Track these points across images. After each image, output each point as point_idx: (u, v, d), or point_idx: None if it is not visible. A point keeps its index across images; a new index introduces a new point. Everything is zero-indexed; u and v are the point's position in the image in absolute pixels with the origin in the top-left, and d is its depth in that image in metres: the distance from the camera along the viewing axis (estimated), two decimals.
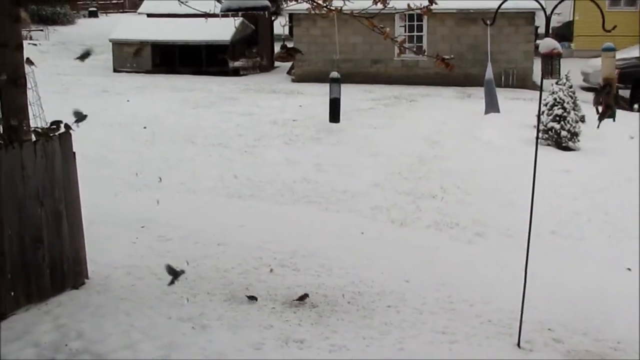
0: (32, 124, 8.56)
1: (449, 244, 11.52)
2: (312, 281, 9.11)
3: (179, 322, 7.60)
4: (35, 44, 37.34)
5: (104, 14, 54.35)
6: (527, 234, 7.72)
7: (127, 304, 7.97)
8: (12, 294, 7.58)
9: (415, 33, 26.46)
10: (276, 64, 30.99)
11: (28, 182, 7.66)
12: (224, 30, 27.83)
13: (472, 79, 24.29)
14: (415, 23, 26.36)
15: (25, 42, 9.49)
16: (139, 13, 34.43)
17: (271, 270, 9.49)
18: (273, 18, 32.17)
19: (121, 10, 55.70)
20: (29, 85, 8.59)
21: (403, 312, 8.31)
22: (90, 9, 53.58)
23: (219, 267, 9.40)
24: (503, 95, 21.56)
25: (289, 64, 29.33)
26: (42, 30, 42.69)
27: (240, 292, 8.57)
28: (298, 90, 25.49)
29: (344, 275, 9.36)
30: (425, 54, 8.59)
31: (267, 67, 31.32)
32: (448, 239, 11.79)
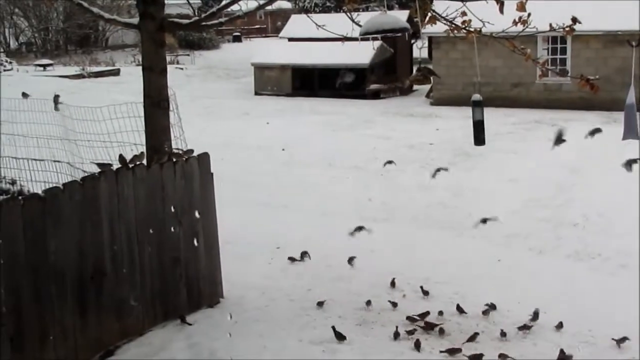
0: (173, 145, 8.84)
1: (590, 275, 11.04)
2: (445, 309, 8.91)
3: (310, 345, 7.59)
4: (181, 68, 38.83)
5: (247, 39, 55.93)
6: None
7: (260, 325, 8.03)
8: (151, 310, 7.80)
9: (558, 56, 25.74)
10: (415, 87, 30.86)
11: (167, 201, 7.87)
12: (363, 53, 27.99)
13: (620, 104, 23.18)
14: (559, 46, 25.65)
15: (172, 67, 9.86)
16: (281, 37, 35.15)
17: (404, 296, 9.37)
18: (412, 41, 32.11)
19: (264, 35, 57.19)
20: (171, 108, 8.87)
21: (540, 344, 8.01)
22: (235, 34, 55.29)
23: (351, 291, 9.35)
24: None
25: (427, 87, 29.15)
26: (188, 54, 44.34)
27: (371, 317, 8.49)
28: (436, 113, 25.27)
29: (478, 303, 9.10)
30: (569, 74, 8.33)
31: (405, 90, 31.23)
32: (588, 270, 11.31)
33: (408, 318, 8.42)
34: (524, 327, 8.32)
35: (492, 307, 8.95)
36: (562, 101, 25.34)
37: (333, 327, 7.73)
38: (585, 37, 24.28)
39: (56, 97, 10.60)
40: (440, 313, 8.64)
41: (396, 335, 7.92)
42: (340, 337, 7.66)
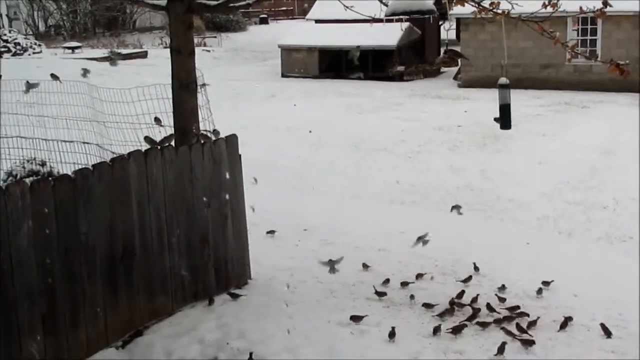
0: (201, 127, 8.84)
1: (621, 259, 10.95)
2: (474, 291, 8.87)
3: (339, 327, 7.59)
4: (208, 51, 38.87)
5: (274, 21, 55.82)
6: None
7: (289, 307, 8.03)
8: (180, 291, 7.84)
9: (588, 37, 25.46)
10: (443, 69, 30.69)
11: (196, 183, 7.88)
12: (390, 35, 27.87)
13: None
14: (589, 26, 25.36)
15: (199, 49, 9.83)
16: (308, 19, 35.10)
17: (432, 278, 9.34)
18: (440, 23, 31.89)
19: (290, 17, 57.01)
20: (198, 90, 8.87)
21: (570, 328, 7.94)
22: (261, 16, 55.20)
23: (380, 273, 9.33)
24: None
25: (455, 69, 28.96)
26: (215, 37, 44.34)
27: (400, 299, 8.48)
28: (464, 95, 25.13)
29: (508, 286, 9.06)
30: (598, 59, 8.19)
31: (433, 72, 31.06)
32: (619, 253, 11.22)
33: (452, 303, 8.40)
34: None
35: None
36: (592, 82, 25.07)
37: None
38: (616, 18, 23.97)
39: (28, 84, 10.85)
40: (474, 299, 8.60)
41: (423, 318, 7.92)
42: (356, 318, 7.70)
